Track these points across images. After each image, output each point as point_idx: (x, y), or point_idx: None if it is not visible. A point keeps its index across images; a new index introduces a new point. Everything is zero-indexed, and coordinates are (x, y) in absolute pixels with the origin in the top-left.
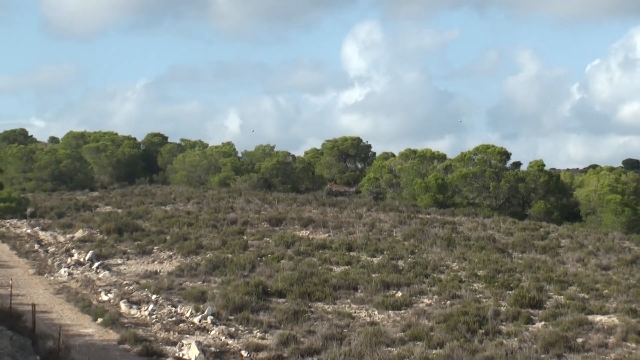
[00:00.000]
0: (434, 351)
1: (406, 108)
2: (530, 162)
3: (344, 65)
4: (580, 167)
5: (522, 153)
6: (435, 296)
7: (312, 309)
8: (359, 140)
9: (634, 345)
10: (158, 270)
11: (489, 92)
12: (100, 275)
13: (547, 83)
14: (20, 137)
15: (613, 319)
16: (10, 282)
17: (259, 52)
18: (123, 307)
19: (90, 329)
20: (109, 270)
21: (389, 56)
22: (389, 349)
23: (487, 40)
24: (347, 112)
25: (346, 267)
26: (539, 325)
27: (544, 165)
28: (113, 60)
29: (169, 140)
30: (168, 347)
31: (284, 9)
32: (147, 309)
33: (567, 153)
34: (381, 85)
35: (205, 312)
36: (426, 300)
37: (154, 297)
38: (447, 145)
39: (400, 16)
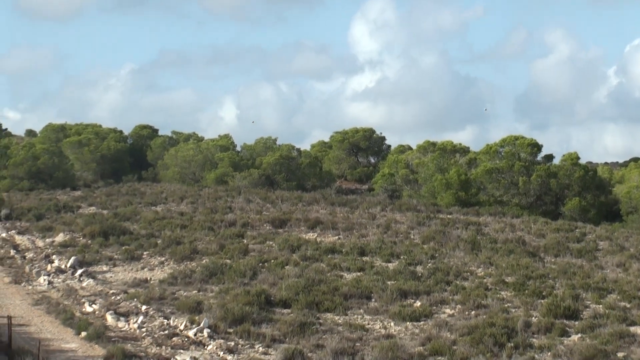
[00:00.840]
0: None
1: (423, 95)
2: (564, 155)
3: (353, 47)
4: (620, 161)
5: (554, 145)
6: (459, 306)
7: (321, 321)
8: (371, 131)
9: None
10: (148, 278)
11: (516, 77)
12: (84, 284)
13: (580, 66)
14: None
15: None
16: None
17: (256, 34)
18: (109, 319)
19: (73, 343)
20: (93, 278)
21: (403, 37)
22: None
23: (513, 19)
24: (357, 100)
25: (358, 273)
26: (574, 338)
27: (578, 158)
28: (94, 44)
29: (160, 133)
30: None
31: None
32: (136, 321)
33: (603, 144)
34: (394, 70)
35: (202, 325)
36: (448, 311)
37: (143, 308)
38: (469, 137)
39: None
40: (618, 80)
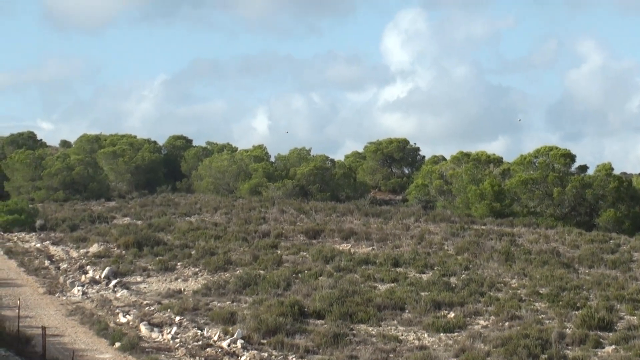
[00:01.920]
0: None
1: (454, 105)
2: (598, 166)
3: (385, 58)
4: None
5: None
6: (492, 317)
7: (354, 332)
8: (405, 142)
9: None
10: (182, 289)
11: (548, 87)
12: (118, 295)
13: (613, 76)
14: (28, 141)
15: None
16: (19, 302)
17: (288, 45)
18: (143, 329)
19: (106, 354)
20: (127, 288)
21: (434, 48)
22: None
23: (545, 29)
24: (388, 110)
25: (392, 284)
26: (609, 349)
27: (612, 169)
28: (126, 55)
29: (194, 143)
30: None
31: None
32: (170, 331)
33: (637, 155)
34: (426, 81)
35: (235, 336)
36: (482, 322)
37: (177, 318)
38: (501, 147)
39: (445, 3)
40: None
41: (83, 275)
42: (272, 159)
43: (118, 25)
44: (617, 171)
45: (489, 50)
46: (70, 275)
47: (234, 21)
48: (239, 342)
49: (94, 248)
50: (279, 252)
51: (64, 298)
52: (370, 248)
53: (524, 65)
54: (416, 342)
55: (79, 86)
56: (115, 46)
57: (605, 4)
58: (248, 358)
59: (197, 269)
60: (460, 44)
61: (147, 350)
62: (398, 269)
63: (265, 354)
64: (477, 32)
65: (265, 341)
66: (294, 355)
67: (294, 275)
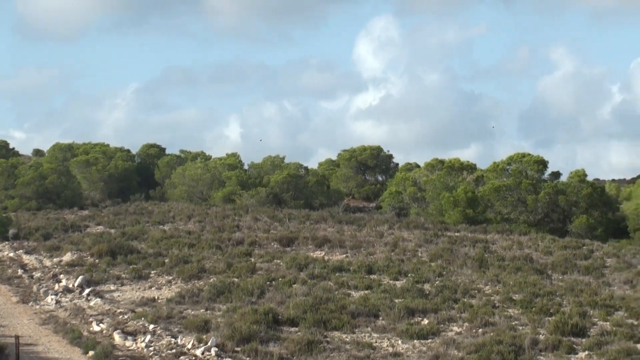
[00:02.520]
0: None
1: (427, 113)
2: (571, 173)
3: (357, 65)
4: (625, 177)
5: (559, 162)
6: (466, 323)
7: (328, 339)
8: (379, 149)
9: None
10: (156, 297)
11: (520, 94)
12: (92, 303)
13: (585, 82)
14: (1, 150)
15: None
16: None
17: (260, 53)
18: (117, 338)
19: None
20: (101, 297)
21: (407, 55)
22: None
23: (517, 36)
24: (361, 117)
25: (366, 291)
26: (582, 355)
27: (586, 175)
28: (98, 64)
29: (167, 151)
30: None
31: (286, 4)
32: (143, 340)
33: (608, 161)
34: (399, 88)
35: (209, 343)
36: (456, 328)
37: (151, 327)
38: (474, 154)
39: (417, 10)
40: (622, 97)
41: (56, 284)
42: (246, 167)
43: (90, 35)
44: (589, 178)
45: (462, 57)
46: (44, 284)
47: (206, 29)
48: (213, 350)
49: (67, 257)
50: (252, 259)
51: (38, 307)
52: (344, 255)
53: (496, 72)
54: (390, 349)
55: (52, 95)
56: (88, 55)
57: (577, 11)
58: None
59: (170, 277)
60: (433, 51)
61: (120, 358)
62: (372, 276)
63: None
64: (449, 39)
65: (239, 349)
66: None
67: (268, 282)
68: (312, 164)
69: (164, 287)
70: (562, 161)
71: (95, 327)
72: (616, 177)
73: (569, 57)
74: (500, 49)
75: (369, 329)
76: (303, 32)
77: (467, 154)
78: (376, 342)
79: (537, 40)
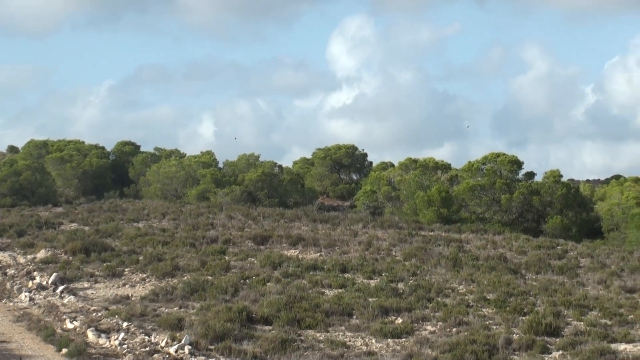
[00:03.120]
0: None
1: (400, 112)
2: (546, 173)
3: (331, 64)
4: (599, 178)
5: (532, 162)
6: (440, 323)
7: (302, 338)
8: (353, 148)
9: None
10: (130, 295)
11: (494, 94)
12: (65, 301)
13: (558, 83)
14: None
15: (639, 348)
16: None
17: (233, 51)
18: (90, 336)
19: None
20: (74, 294)
21: (381, 54)
22: None
23: (490, 36)
24: (335, 116)
25: (340, 290)
26: (556, 355)
27: (560, 175)
28: (72, 60)
29: (142, 149)
30: None
31: (259, 2)
32: (117, 338)
33: (582, 162)
34: (372, 87)
35: (183, 342)
36: (429, 327)
37: (125, 324)
38: (447, 154)
39: (391, 9)
40: (596, 97)
41: (30, 281)
42: (220, 165)
43: (63, 31)
44: (563, 178)
45: (435, 56)
46: (17, 281)
47: (179, 27)
48: (187, 348)
49: (41, 254)
50: (226, 258)
51: (11, 304)
52: (318, 254)
53: (470, 72)
54: (364, 348)
55: (26, 91)
56: (61, 52)
57: (550, 11)
58: None
59: (144, 275)
60: (407, 50)
61: (94, 356)
62: (346, 275)
63: None
64: (423, 38)
65: (212, 347)
66: None
67: (242, 281)
68: (286, 163)
69: (138, 284)
70: (536, 161)
71: (69, 325)
72: (590, 178)
73: (543, 57)
74: (473, 49)
75: (343, 327)
76: (276, 30)
77: (440, 154)
78: (350, 341)
79: (510, 40)
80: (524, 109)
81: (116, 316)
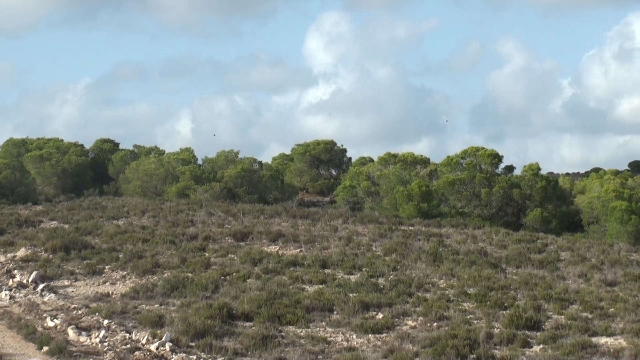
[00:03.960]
0: None
1: (378, 107)
2: (525, 166)
3: (307, 60)
4: (578, 171)
5: (511, 156)
6: (421, 317)
7: (283, 334)
8: (332, 143)
9: None
10: (110, 292)
11: (471, 89)
12: (46, 299)
13: (535, 77)
14: None
15: (620, 341)
16: None
17: (210, 48)
18: (71, 333)
19: (34, 358)
20: (55, 292)
21: (357, 50)
22: None
23: (467, 31)
24: (312, 112)
25: (320, 286)
26: (536, 348)
27: (540, 169)
28: (49, 58)
29: (121, 146)
30: None
31: None
32: (98, 335)
33: (560, 155)
34: (349, 82)
35: (164, 339)
36: (410, 322)
37: (105, 322)
38: (425, 149)
39: (367, 5)
40: (573, 91)
41: (10, 280)
42: (200, 162)
43: (39, 30)
44: (543, 171)
45: (412, 52)
46: None
47: (155, 24)
48: (168, 345)
49: (21, 252)
50: (207, 254)
51: None
52: (299, 250)
53: (447, 67)
54: (345, 343)
55: (2, 91)
56: (38, 51)
57: (526, 6)
58: None
59: (125, 272)
60: (383, 46)
61: (75, 354)
62: (326, 271)
63: (194, 357)
64: (399, 34)
65: (193, 344)
66: (222, 358)
67: (222, 277)
68: (264, 159)
69: (118, 282)
70: (514, 155)
71: (50, 323)
72: (568, 171)
73: (519, 51)
74: (450, 44)
75: (324, 323)
76: (252, 27)
77: (418, 148)
78: (331, 336)
79: (487, 34)
80: (502, 103)
81: (97, 314)
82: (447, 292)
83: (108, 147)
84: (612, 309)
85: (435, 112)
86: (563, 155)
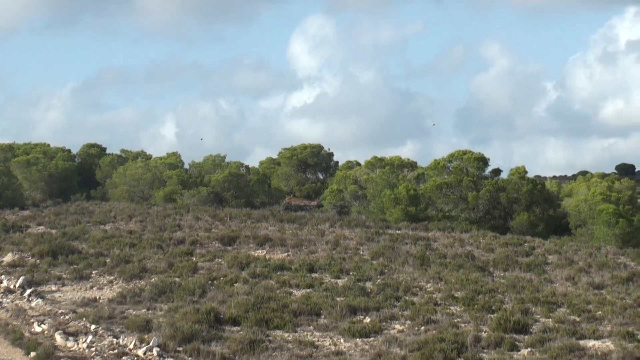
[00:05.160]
0: None
1: (362, 111)
2: (512, 170)
3: (291, 64)
4: (565, 174)
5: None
6: (408, 321)
7: (270, 338)
8: (319, 147)
9: None
10: (97, 297)
11: (455, 92)
12: (33, 304)
13: (520, 80)
14: None
15: (608, 344)
16: None
17: (193, 52)
18: (59, 339)
19: None
20: (42, 298)
21: (342, 53)
22: None
23: (451, 34)
24: (296, 116)
25: (308, 290)
26: (524, 352)
27: (526, 172)
28: (33, 63)
29: (108, 151)
30: None
31: (217, 3)
32: (85, 340)
33: (545, 158)
34: (333, 86)
35: (151, 343)
36: (398, 326)
37: (93, 327)
38: (410, 152)
39: (349, 8)
40: (557, 94)
41: None
42: (186, 166)
43: (21, 34)
44: (529, 175)
45: (396, 55)
46: None
47: (137, 28)
48: (155, 350)
49: (8, 257)
50: (194, 259)
51: None
52: (286, 254)
53: (431, 70)
54: (332, 348)
55: None
56: (21, 56)
57: (509, 8)
58: None
59: (112, 277)
60: (368, 49)
61: (62, 359)
62: (313, 275)
63: None
64: (384, 37)
65: (181, 349)
66: None
67: (210, 282)
68: (250, 163)
69: (106, 287)
70: (500, 158)
71: (37, 328)
72: (554, 174)
73: (504, 54)
74: (435, 47)
75: (311, 327)
76: (235, 31)
77: (404, 152)
78: (318, 340)
79: (471, 37)
80: (486, 107)
81: (84, 319)
82: (434, 295)
83: (95, 151)
84: (600, 312)
85: (420, 115)
86: (548, 158)
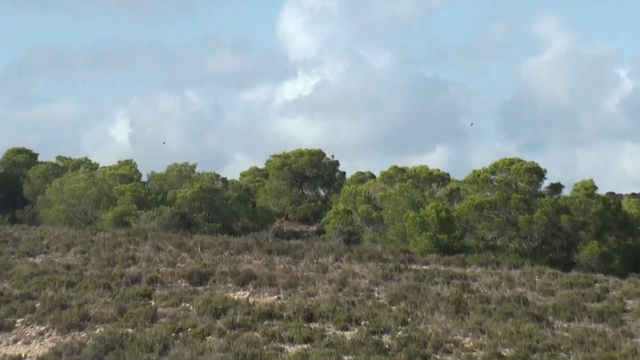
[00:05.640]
0: None
1: (376, 106)
2: (575, 185)
3: (282, 44)
4: None
5: (554, 170)
6: None
7: None
8: (320, 154)
9: None
10: (23, 355)
11: (499, 81)
12: None
13: (584, 66)
14: None
15: None
16: None
17: (153, 29)
18: None
19: None
20: None
21: (348, 31)
22: None
23: (491, 6)
24: (288, 113)
25: (305, 346)
26: None
27: (595, 187)
28: None
29: (40, 158)
30: None
31: None
32: None
33: (621, 169)
34: (338, 73)
35: None
36: None
37: None
38: (440, 161)
39: None
40: (633, 84)
41: None
42: (144, 179)
43: None
44: (600, 191)
45: (420, 33)
46: None
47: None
48: None
49: None
50: (153, 303)
51: None
52: (276, 297)
53: (466, 53)
54: None
55: None
56: None
57: None
58: None
59: (43, 328)
60: (382, 25)
61: None
62: (312, 325)
63: None
64: (402, 10)
65: None
66: None
67: (174, 334)
68: (229, 175)
69: (34, 340)
70: (559, 170)
71: None
72: (634, 190)
73: (562, 32)
74: (469, 23)
75: None
76: (208, 2)
77: (431, 160)
78: None
79: (518, 10)
80: (540, 101)
81: None
82: (474, 353)
83: (23, 159)
84: None
85: (452, 112)
86: (624, 169)
